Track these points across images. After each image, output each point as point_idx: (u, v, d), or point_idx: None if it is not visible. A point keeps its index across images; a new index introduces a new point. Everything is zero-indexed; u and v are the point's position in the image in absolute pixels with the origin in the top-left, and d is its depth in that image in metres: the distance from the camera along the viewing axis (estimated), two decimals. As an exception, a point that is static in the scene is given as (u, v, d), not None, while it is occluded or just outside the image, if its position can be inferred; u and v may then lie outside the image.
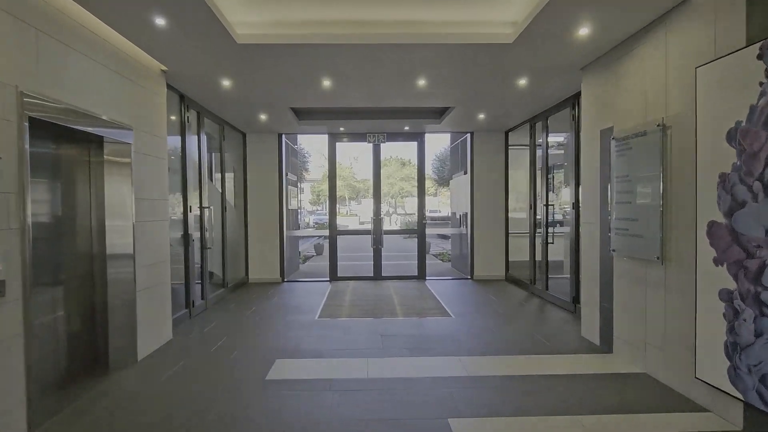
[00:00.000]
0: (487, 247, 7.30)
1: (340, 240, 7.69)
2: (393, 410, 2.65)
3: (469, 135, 7.35)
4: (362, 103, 5.35)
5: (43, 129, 2.70)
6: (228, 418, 2.55)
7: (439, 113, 6.45)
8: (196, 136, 5.14)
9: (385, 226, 7.51)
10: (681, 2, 2.79)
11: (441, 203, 27.27)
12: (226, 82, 4.36)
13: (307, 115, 6.48)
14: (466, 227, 7.60)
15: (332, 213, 7.45)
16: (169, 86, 4.36)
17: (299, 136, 9.06)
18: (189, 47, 3.46)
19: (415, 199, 7.65)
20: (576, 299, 4.94)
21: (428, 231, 7.63)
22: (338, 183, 8.15)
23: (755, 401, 2.25)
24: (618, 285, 3.53)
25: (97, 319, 3.33)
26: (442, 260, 10.47)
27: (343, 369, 3.31)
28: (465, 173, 7.72)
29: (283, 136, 7.27)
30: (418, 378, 3.12)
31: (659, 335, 3.03)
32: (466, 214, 7.65)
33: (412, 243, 15.24)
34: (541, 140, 5.85)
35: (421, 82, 4.43)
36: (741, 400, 2.35)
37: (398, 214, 27.12)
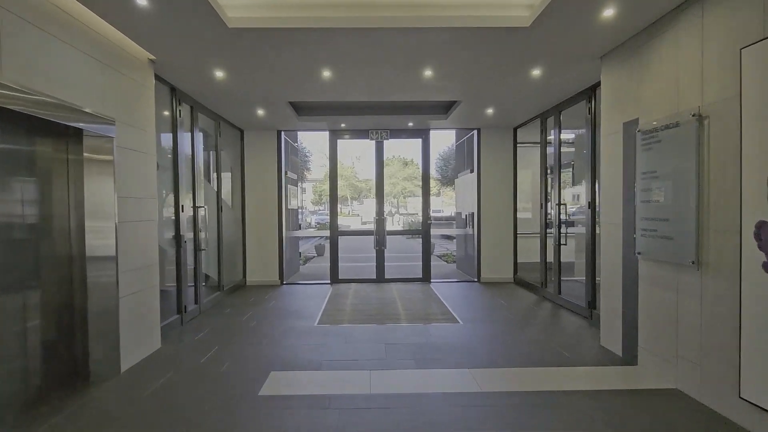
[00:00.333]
0: (495, 248, 7.01)
1: (342, 241, 7.41)
2: (399, 433, 2.37)
3: (475, 132, 7.06)
4: (364, 98, 5.06)
5: (11, 122, 2.43)
6: (214, 443, 2.28)
7: (445, 108, 6.16)
8: (190, 132, 4.87)
9: (388, 227, 7.22)
10: (721, -24, 2.49)
11: (444, 203, 26.97)
12: (219, 73, 4.08)
13: (307, 111, 6.20)
14: (473, 228, 7.31)
15: (333, 213, 7.17)
16: (158, 78, 4.10)
17: (300, 135, 8.80)
18: (176, 32, 3.18)
19: (418, 199, 7.37)
20: (592, 304, 4.64)
21: (432, 231, 7.33)
22: (340, 183, 7.88)
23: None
24: (644, 291, 3.23)
25: (76, 328, 3.06)
26: (446, 261, 10.17)
27: (343, 383, 3.03)
28: (471, 171, 7.43)
29: (283, 133, 7.00)
30: (426, 394, 2.83)
31: (694, 348, 2.73)
32: (472, 214, 7.36)
33: (416, 243, 14.94)
34: (552, 136, 5.55)
35: (428, 73, 4.14)
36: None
37: (401, 214, 26.83)
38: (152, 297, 3.71)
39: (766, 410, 2.20)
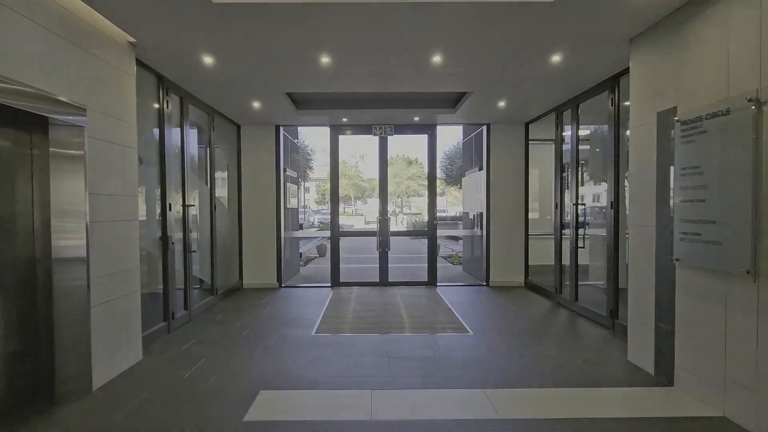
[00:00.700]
0: (505, 250, 6.63)
1: (344, 241, 7.06)
2: (405, 473, 2.01)
3: (485, 127, 6.67)
4: (367, 88, 4.69)
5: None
6: (186, 484, 1.92)
7: (454, 102, 5.79)
8: (179, 125, 4.53)
9: (392, 227, 6.85)
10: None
11: (449, 203, 26.58)
12: (208, 59, 3.73)
13: (307, 104, 5.85)
14: (481, 229, 6.93)
15: (334, 213, 6.81)
16: (142, 64, 3.76)
17: (303, 133, 8.45)
18: (154, 8, 2.83)
19: (422, 199, 7.01)
20: (614, 313, 4.25)
21: (438, 232, 6.95)
22: (343, 182, 7.51)
23: None
24: (682, 302, 2.85)
25: (40, 339, 2.72)
26: (452, 263, 9.79)
27: (341, 405, 2.67)
28: (480, 169, 7.05)
29: (281, 128, 6.65)
30: (435, 421, 2.47)
31: (748, 371, 2.35)
32: (481, 214, 6.98)
33: (419, 243, 14.56)
34: (570, 131, 5.15)
35: (437, 59, 3.77)
36: None
37: (404, 214, 26.45)
38: (132, 304, 3.36)
39: None
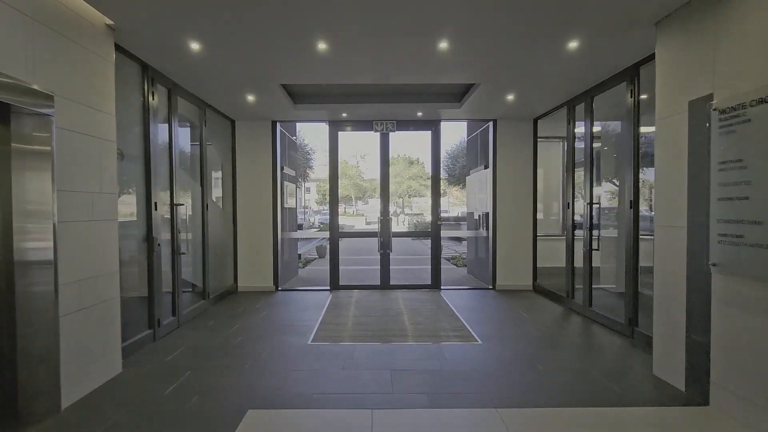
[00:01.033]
0: (512, 252, 6.33)
1: (344, 242, 6.78)
2: None
3: (491, 123, 6.38)
4: (367, 80, 4.39)
5: None
6: None
7: (459, 95, 5.50)
8: (167, 118, 4.24)
9: (394, 228, 6.55)
10: None
11: (451, 203, 26.25)
12: (194, 45, 3.44)
13: (304, 98, 5.57)
14: (487, 229, 6.63)
15: (334, 213, 6.52)
16: (124, 51, 3.48)
17: (302, 132, 8.17)
18: (132, -15, 2.55)
19: (423, 199, 6.75)
20: (634, 321, 3.95)
21: (442, 233, 6.65)
22: (344, 182, 7.22)
23: None
24: (720, 312, 2.55)
25: (1, 352, 2.43)
26: (456, 265, 9.49)
27: (338, 428, 2.37)
28: (486, 168, 6.75)
29: (278, 124, 6.35)
30: (444, 449, 2.17)
31: (805, 394, 2.05)
32: (486, 215, 6.68)
33: (421, 244, 14.24)
34: (584, 126, 4.85)
35: (443, 45, 3.47)
36: None
37: (406, 214, 26.13)
38: (110, 312, 3.07)
39: None
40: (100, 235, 2.97)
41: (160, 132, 4.08)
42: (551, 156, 6.84)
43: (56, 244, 2.50)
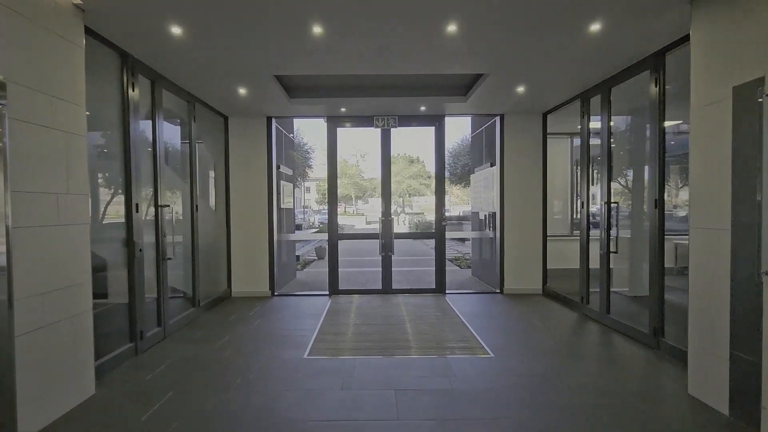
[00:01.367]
0: (521, 254, 6.00)
1: (344, 242, 6.45)
2: None
3: (498, 119, 6.04)
4: (366, 69, 4.05)
5: None
6: None
7: (466, 88, 5.17)
8: (150, 113, 3.92)
9: (395, 228, 6.22)
10: None
11: (452, 203, 25.89)
12: (176, 30, 3.11)
13: (300, 92, 5.24)
14: (494, 230, 6.30)
15: (333, 213, 6.19)
16: (99, 37, 3.15)
17: (300, 129, 7.82)
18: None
19: (424, 199, 6.42)
20: (659, 331, 3.62)
21: (447, 234, 6.33)
22: (344, 181, 6.89)
23: None
24: (774, 328, 2.22)
25: (-52, 382, 2.11)
26: (459, 266, 9.17)
27: (335, 466, 2.05)
28: (492, 165, 6.42)
29: (274, 120, 6.02)
30: (461, 494, 1.84)
31: None
32: (493, 215, 6.35)
33: (422, 244, 13.89)
34: (601, 119, 4.51)
35: (451, 28, 3.14)
36: None
37: (406, 214, 25.77)
38: (81, 326, 2.75)
39: None
40: (69, 240, 2.64)
41: (142, 127, 3.76)
42: (557, 153, 6.54)
43: (10, 251, 2.17)
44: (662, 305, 3.61)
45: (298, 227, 14.30)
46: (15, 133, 2.24)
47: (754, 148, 2.29)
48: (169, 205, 4.12)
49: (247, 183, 5.94)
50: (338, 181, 6.20)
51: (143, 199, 3.72)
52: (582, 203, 4.94)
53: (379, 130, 6.03)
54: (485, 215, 6.80)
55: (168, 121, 4.42)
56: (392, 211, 6.22)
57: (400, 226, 20.12)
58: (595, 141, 4.79)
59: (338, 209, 6.27)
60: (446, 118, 6.04)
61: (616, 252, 4.34)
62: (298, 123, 6.70)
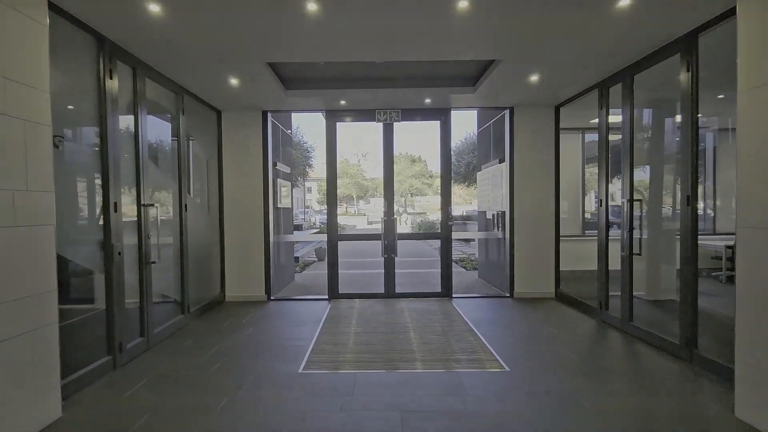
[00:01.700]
0: (531, 255, 5.65)
1: (345, 242, 6.12)
2: None
3: (507, 112, 5.70)
4: (367, 54, 3.71)
5: None
6: None
7: (474, 78, 4.83)
8: (132, 103, 3.59)
9: (398, 228, 5.89)
10: None
11: (455, 203, 25.53)
12: (154, 7, 2.78)
13: (297, 83, 4.91)
14: (503, 230, 5.95)
15: (332, 213, 5.86)
16: (71, 17, 2.83)
17: (302, 130, 7.49)
18: None
19: (426, 198, 6.10)
20: (692, 341, 3.27)
21: (453, 235, 5.99)
22: (346, 181, 6.55)
23: None
24: None
25: None
26: (465, 268, 8.82)
27: None
28: (500, 162, 6.07)
29: (269, 114, 5.70)
30: None
31: None
32: (502, 214, 6.00)
33: (425, 244, 13.51)
34: (623, 110, 4.16)
35: (462, 4, 2.80)
36: None
37: (409, 214, 25.42)
38: (45, 340, 2.42)
39: None
40: (29, 244, 2.31)
41: (122, 119, 3.43)
42: (568, 149, 6.21)
43: (-52, 259, 1.85)
44: (695, 313, 3.26)
45: (298, 228, 13.96)
46: (-44, 119, 1.91)
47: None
48: (154, 205, 3.80)
49: (242, 181, 5.62)
50: (339, 181, 5.88)
51: (125, 198, 3.39)
52: (600, 201, 4.59)
53: (381, 125, 5.70)
54: (493, 214, 6.45)
55: (156, 114, 4.10)
56: (395, 210, 5.88)
57: (403, 226, 19.79)
58: (610, 136, 4.46)
59: (339, 209, 5.93)
60: (452, 111, 5.70)
61: (639, 254, 3.99)
62: (297, 122, 6.38)
